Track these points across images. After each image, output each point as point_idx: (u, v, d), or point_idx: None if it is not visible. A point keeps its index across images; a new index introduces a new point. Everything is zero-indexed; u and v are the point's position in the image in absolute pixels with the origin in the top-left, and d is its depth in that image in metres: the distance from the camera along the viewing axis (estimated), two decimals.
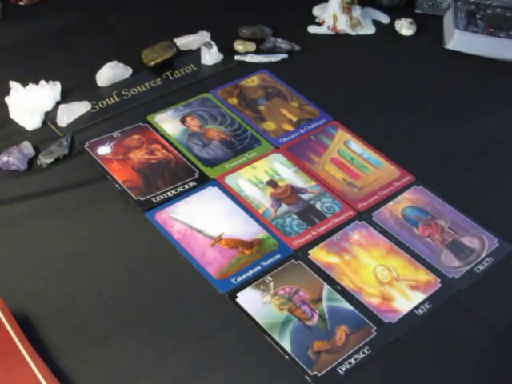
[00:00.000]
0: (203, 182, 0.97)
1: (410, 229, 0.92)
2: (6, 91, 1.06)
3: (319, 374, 0.74)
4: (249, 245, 0.89)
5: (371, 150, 1.05)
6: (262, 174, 0.99)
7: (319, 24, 1.33)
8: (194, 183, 0.97)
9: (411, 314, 0.81)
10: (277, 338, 0.77)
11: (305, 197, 0.96)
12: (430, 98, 1.18)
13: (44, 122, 1.06)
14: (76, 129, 1.05)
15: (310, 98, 1.14)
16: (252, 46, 1.25)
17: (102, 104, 1.10)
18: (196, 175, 0.98)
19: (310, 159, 1.02)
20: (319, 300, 0.82)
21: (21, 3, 1.34)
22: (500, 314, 0.82)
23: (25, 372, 0.70)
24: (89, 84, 1.14)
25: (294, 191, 0.97)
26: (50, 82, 1.09)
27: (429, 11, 1.39)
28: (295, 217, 0.93)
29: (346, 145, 1.05)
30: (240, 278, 0.84)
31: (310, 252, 0.88)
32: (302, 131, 1.08)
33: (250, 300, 0.82)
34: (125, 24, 1.31)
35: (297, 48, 1.26)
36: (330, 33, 1.32)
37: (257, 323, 0.79)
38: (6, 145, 1.00)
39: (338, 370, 0.75)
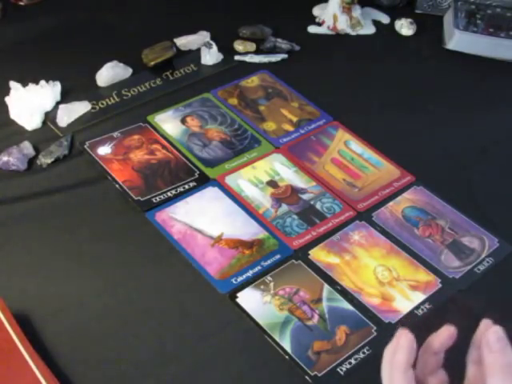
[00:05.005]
0: (203, 182, 0.97)
1: (411, 229, 0.92)
2: (6, 91, 1.06)
3: (319, 374, 0.74)
4: (249, 245, 0.88)
5: (371, 150, 1.05)
6: (262, 174, 0.99)
7: (319, 24, 1.33)
8: (194, 183, 0.97)
9: (411, 314, 0.81)
10: (277, 338, 0.77)
11: (305, 197, 0.96)
12: (430, 97, 1.18)
13: (44, 122, 1.06)
14: (76, 129, 1.05)
15: (310, 98, 1.14)
16: (252, 46, 1.25)
17: (102, 104, 1.10)
18: (196, 175, 0.98)
19: (310, 159, 1.02)
20: (319, 300, 0.82)
21: (21, 3, 1.34)
22: (500, 314, 0.82)
23: (25, 372, 0.69)
24: (89, 84, 1.14)
25: (295, 191, 0.97)
26: (50, 82, 1.09)
27: (429, 11, 1.39)
28: (295, 217, 0.93)
29: (347, 145, 1.05)
30: (240, 278, 0.84)
31: (310, 252, 0.88)
32: (302, 131, 1.08)
33: (250, 300, 0.82)
34: (125, 24, 1.31)
35: (297, 48, 1.25)
36: (330, 33, 1.32)
37: (257, 323, 0.79)
38: (5, 145, 1.00)
39: (338, 370, 0.75)
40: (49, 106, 1.08)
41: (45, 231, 0.90)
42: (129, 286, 0.83)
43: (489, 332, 0.53)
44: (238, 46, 1.24)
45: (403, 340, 0.54)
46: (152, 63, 1.17)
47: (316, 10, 1.36)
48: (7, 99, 1.06)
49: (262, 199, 0.95)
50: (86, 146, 1.02)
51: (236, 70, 1.20)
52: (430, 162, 1.04)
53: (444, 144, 1.08)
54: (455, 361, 0.56)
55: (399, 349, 0.54)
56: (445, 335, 0.55)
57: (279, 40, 1.25)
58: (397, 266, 0.87)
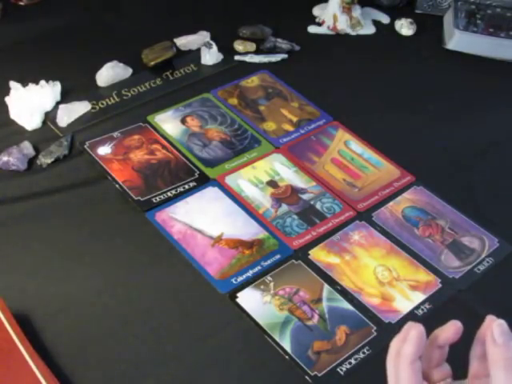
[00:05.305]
0: (203, 182, 0.97)
1: (411, 229, 0.92)
2: (6, 91, 1.06)
3: (319, 374, 0.74)
4: (249, 245, 0.88)
5: (371, 150, 1.05)
6: (262, 174, 0.99)
7: (319, 24, 1.33)
8: (194, 183, 0.97)
9: (411, 314, 0.81)
10: (277, 338, 0.77)
11: (305, 197, 0.96)
12: (430, 97, 1.18)
13: (44, 122, 1.06)
14: (76, 129, 1.05)
15: (310, 98, 1.14)
16: (252, 46, 1.25)
17: (102, 104, 1.10)
18: (196, 175, 0.98)
19: (310, 159, 1.02)
20: (319, 300, 0.82)
21: (21, 3, 1.34)
22: (500, 314, 0.82)
23: (25, 372, 0.69)
24: (89, 84, 1.14)
25: (295, 191, 0.97)
26: (50, 82, 1.09)
27: (429, 11, 1.39)
28: (295, 217, 0.93)
29: (347, 145, 1.05)
30: (240, 278, 0.84)
31: (310, 252, 0.88)
32: (302, 131, 1.08)
33: (250, 300, 0.82)
34: (125, 24, 1.31)
35: (297, 48, 1.25)
36: (330, 33, 1.32)
37: (257, 323, 0.79)
38: (5, 145, 0.99)
39: (338, 370, 0.75)
40: (49, 106, 1.08)
41: (45, 231, 0.90)
42: (129, 285, 0.83)
43: (493, 325, 0.53)
44: (238, 45, 1.24)
45: (414, 331, 0.54)
46: (152, 63, 1.17)
47: (316, 10, 1.36)
48: (7, 99, 1.06)
49: (262, 199, 0.95)
50: (86, 146, 1.02)
51: (236, 70, 1.20)
52: (430, 162, 1.04)
53: (444, 144, 1.08)
54: (458, 355, 0.56)
55: (409, 340, 0.53)
56: (451, 330, 0.55)
57: (279, 40, 1.25)
58: (397, 265, 0.87)
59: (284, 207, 0.94)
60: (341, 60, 1.26)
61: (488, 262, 0.88)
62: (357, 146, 1.05)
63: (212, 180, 0.98)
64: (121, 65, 1.16)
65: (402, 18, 1.34)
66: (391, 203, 0.96)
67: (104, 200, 0.94)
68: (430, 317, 0.81)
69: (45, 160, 0.99)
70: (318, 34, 1.32)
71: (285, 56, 1.23)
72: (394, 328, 0.79)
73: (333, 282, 0.84)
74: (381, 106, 1.15)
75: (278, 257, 0.87)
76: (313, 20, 1.34)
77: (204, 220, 0.91)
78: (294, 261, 0.87)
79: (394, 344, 0.55)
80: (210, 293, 0.83)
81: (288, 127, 1.08)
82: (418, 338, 0.54)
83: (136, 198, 0.94)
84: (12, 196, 0.94)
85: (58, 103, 1.08)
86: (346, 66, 1.24)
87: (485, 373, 0.53)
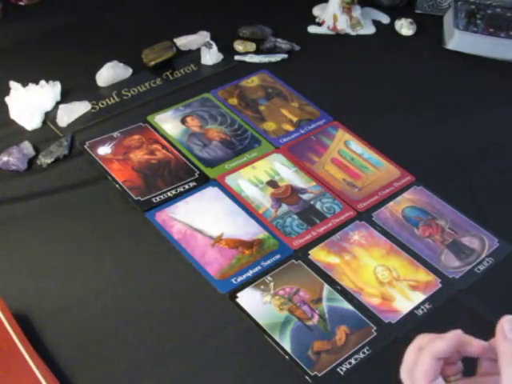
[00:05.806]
0: (203, 182, 0.97)
1: (411, 229, 0.92)
2: (6, 91, 1.06)
3: (319, 374, 0.74)
4: (249, 245, 0.88)
5: (371, 150, 1.05)
6: (262, 174, 0.99)
7: (319, 24, 1.33)
8: (194, 183, 0.97)
9: (411, 314, 0.81)
10: (277, 338, 0.77)
11: (305, 197, 0.96)
12: (430, 98, 1.18)
13: (44, 122, 1.06)
14: (76, 129, 1.05)
15: (310, 98, 1.14)
16: (252, 46, 1.25)
17: (102, 104, 1.10)
18: (196, 175, 0.98)
19: (310, 159, 1.02)
20: (319, 300, 0.82)
21: (21, 3, 1.34)
22: (500, 314, 0.82)
23: (25, 372, 0.69)
24: (89, 84, 1.14)
25: (295, 191, 0.97)
26: (50, 82, 1.09)
27: (429, 11, 1.39)
28: (295, 217, 0.93)
29: (347, 145, 1.05)
30: (240, 278, 0.84)
31: (310, 252, 0.88)
32: (302, 131, 1.08)
33: (250, 300, 0.82)
34: (125, 24, 1.31)
35: (297, 48, 1.26)
36: (330, 33, 1.32)
37: (257, 323, 0.79)
38: (5, 145, 1.00)
39: (338, 370, 0.75)
40: (49, 106, 1.08)
41: (45, 231, 0.90)
42: (129, 286, 0.83)
43: (503, 320, 0.53)
44: (238, 46, 1.24)
45: (452, 333, 0.54)
46: (152, 63, 1.17)
47: (316, 10, 1.36)
48: (7, 99, 1.06)
49: (262, 199, 0.95)
50: (85, 146, 1.02)
51: (236, 70, 1.20)
52: (430, 162, 1.04)
53: (444, 144, 1.08)
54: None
55: (445, 337, 0.53)
56: (479, 347, 0.54)
57: (279, 40, 1.25)
58: (397, 265, 0.87)
59: (284, 207, 0.94)
60: (341, 60, 1.26)
61: (488, 261, 0.88)
62: (357, 146, 1.05)
63: (212, 180, 0.98)
64: (121, 65, 1.16)
65: (402, 17, 1.34)
66: (391, 203, 0.96)
67: (104, 200, 0.94)
68: (430, 317, 0.81)
69: (45, 160, 0.99)
70: (318, 34, 1.32)
71: (285, 56, 1.24)
72: (394, 328, 0.79)
73: (333, 282, 0.84)
74: (381, 106, 1.15)
75: (277, 257, 0.87)
76: (313, 20, 1.34)
77: (204, 220, 0.91)
78: (293, 261, 0.87)
79: (420, 339, 0.55)
80: (210, 293, 0.83)
81: (288, 127, 1.08)
82: (456, 340, 0.53)
83: (136, 198, 0.94)
84: (12, 196, 0.94)
85: (58, 103, 1.08)
86: (346, 66, 1.24)
87: (494, 371, 0.53)
